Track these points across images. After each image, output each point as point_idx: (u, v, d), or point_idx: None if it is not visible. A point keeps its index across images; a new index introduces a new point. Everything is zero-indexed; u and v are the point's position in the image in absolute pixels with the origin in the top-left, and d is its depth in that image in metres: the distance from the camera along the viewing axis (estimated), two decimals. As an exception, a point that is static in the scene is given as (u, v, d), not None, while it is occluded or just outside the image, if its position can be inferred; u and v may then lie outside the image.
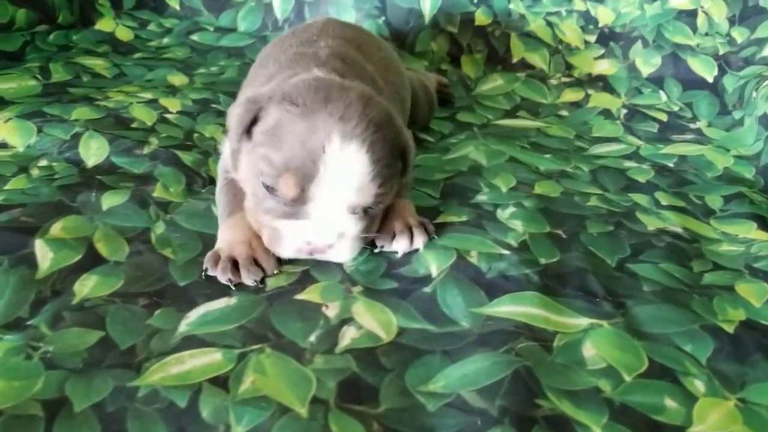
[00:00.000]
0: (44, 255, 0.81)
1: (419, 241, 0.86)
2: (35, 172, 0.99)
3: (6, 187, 0.94)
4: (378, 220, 0.85)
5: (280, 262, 0.83)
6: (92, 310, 0.74)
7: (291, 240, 0.79)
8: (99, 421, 0.60)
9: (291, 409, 0.63)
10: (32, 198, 0.91)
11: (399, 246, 0.86)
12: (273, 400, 0.63)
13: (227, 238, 0.84)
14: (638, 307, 0.80)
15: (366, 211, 0.79)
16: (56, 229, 0.85)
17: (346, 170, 0.75)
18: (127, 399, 0.63)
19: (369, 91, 0.84)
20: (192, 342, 0.70)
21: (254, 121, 0.80)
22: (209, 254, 0.82)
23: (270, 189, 0.77)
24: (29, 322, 0.71)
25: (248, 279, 0.79)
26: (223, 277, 0.79)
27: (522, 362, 0.70)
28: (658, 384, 0.69)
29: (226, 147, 0.92)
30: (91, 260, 0.81)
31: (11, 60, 1.44)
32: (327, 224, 0.78)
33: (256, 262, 0.81)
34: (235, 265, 0.80)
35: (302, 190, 0.75)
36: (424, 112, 1.31)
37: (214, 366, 0.67)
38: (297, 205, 0.77)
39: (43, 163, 1.02)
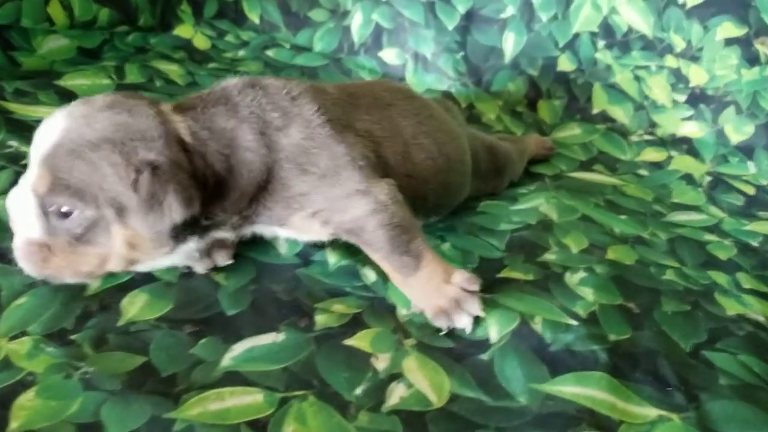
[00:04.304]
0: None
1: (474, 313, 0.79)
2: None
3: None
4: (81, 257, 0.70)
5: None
6: (137, 335, 0.72)
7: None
8: (131, 454, 0.57)
9: (329, 471, 0.59)
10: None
11: (461, 323, 0.78)
12: (311, 458, 0.60)
13: None
14: (713, 402, 0.74)
15: (48, 214, 0.68)
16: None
17: (41, 140, 0.70)
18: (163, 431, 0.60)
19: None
20: (234, 378, 0.68)
21: None
22: None
23: None
24: (72, 337, 0.70)
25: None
26: None
27: (582, 453, 0.64)
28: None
29: None
30: (144, 276, 0.79)
31: (89, 57, 1.45)
32: (18, 193, 0.71)
33: None
34: None
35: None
36: (486, 179, 1.15)
37: (255, 408, 0.65)
38: None
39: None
